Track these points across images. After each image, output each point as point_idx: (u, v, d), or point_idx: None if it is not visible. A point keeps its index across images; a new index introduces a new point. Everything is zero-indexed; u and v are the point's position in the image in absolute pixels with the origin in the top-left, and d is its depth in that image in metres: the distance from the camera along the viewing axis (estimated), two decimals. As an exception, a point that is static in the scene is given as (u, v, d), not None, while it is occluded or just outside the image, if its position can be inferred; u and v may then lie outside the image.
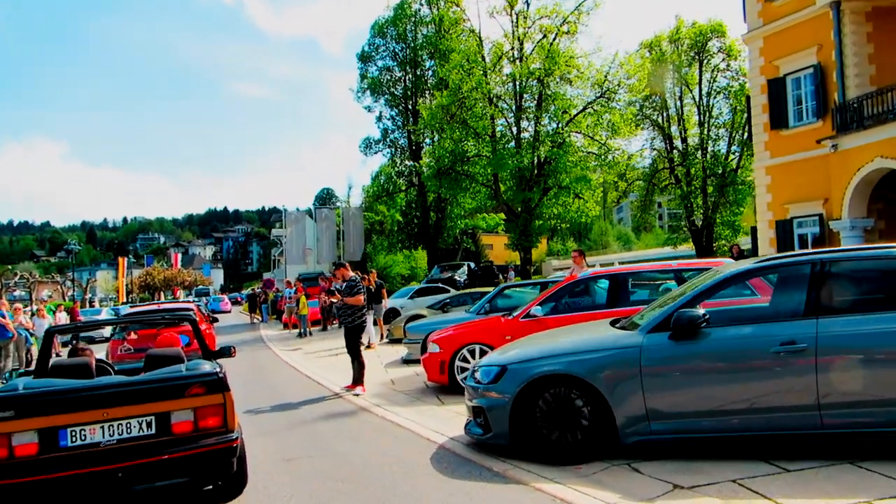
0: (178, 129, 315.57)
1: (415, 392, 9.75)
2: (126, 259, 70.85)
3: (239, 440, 4.85)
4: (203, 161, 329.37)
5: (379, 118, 40.72)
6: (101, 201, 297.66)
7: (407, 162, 40.47)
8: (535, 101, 28.39)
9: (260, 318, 35.42)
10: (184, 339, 10.25)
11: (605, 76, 27.14)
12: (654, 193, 39.19)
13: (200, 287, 77.56)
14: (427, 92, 39.16)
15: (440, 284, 25.97)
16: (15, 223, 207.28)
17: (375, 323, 17.47)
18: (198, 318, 9.60)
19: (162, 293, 78.33)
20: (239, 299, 71.46)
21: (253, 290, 37.25)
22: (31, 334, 17.35)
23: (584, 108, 27.74)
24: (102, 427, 4.40)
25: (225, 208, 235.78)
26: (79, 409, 4.39)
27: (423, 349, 12.67)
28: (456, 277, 29.47)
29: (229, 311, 51.21)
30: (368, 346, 16.36)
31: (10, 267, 44.15)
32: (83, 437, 4.37)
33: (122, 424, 4.45)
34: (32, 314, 17.32)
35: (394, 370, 12.27)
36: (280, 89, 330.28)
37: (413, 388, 10.14)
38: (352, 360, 10.48)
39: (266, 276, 48.45)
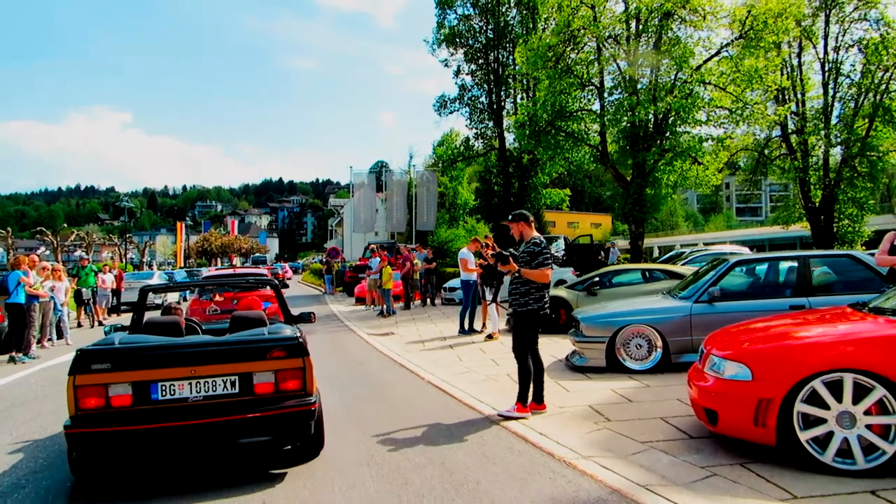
0: (234, 100, 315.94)
1: (675, 446, 5.14)
2: (184, 223, 67.97)
3: (317, 404, 4.79)
4: (258, 133, 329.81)
5: (457, 72, 35.81)
6: (162, 169, 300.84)
7: (488, 122, 35.58)
8: (653, 44, 23.20)
9: (324, 289, 31.43)
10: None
11: (749, 12, 21.77)
12: (766, 167, 33.49)
13: (257, 255, 74.54)
14: (510, 45, 34.15)
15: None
16: (82, 187, 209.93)
17: (480, 303, 12.96)
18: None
19: (219, 259, 75.64)
20: (297, 269, 68.57)
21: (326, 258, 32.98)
22: (51, 297, 13.43)
23: (718, 52, 22.44)
24: (190, 383, 4.47)
25: (280, 179, 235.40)
26: (169, 366, 4.46)
27: (611, 350, 8.19)
28: (554, 252, 24.74)
29: (290, 279, 48.49)
30: (490, 337, 11.88)
31: (65, 225, 41.24)
32: (172, 392, 4.44)
33: (208, 382, 4.51)
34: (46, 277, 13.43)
35: (573, 385, 7.67)
36: (331, 63, 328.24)
37: (658, 434, 5.52)
38: (519, 364, 6.31)
39: (330, 244, 44.47)
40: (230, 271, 17.21)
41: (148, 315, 5.95)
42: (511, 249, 6.81)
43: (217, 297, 13.51)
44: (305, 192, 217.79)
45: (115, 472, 4.93)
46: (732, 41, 22.43)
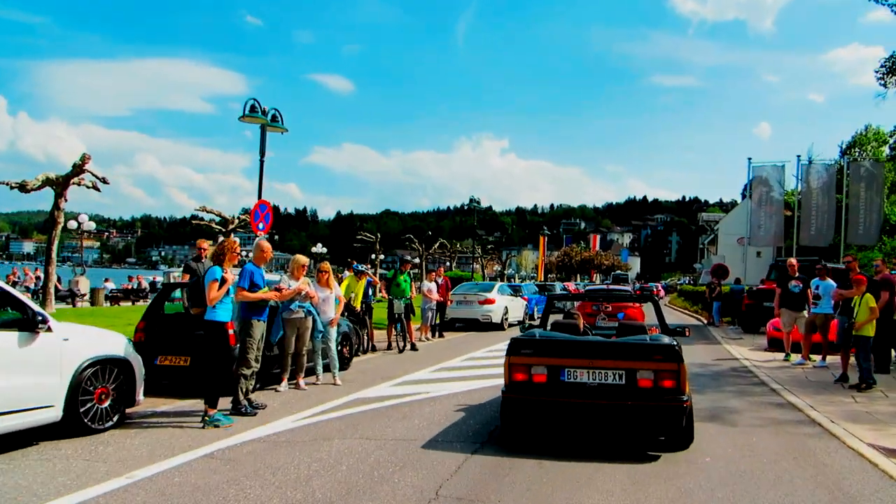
0: (601, 123, 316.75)
1: None
2: (545, 237, 64.96)
3: (689, 403, 5.57)
4: (623, 153, 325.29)
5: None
6: (533, 189, 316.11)
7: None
8: None
9: (710, 320, 23.10)
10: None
11: None
12: None
13: (619, 272, 67.99)
14: None
15: None
16: (465, 207, 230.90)
17: None
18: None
19: (577, 275, 71.22)
20: (668, 289, 61.42)
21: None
22: (307, 311, 8.61)
23: None
24: (588, 372, 5.57)
25: (644, 198, 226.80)
26: (575, 357, 5.65)
27: None
28: None
29: (662, 297, 45.03)
30: None
31: (442, 239, 40.90)
32: (575, 377, 5.59)
33: (601, 372, 5.55)
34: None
35: None
36: (701, 77, 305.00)
37: None
38: None
39: (714, 260, 35.53)
40: (605, 287, 18.33)
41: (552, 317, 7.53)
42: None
43: (606, 307, 14.82)
44: (670, 210, 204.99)
45: (529, 429, 6.08)
46: None
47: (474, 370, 10.87)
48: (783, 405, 8.09)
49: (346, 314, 12.62)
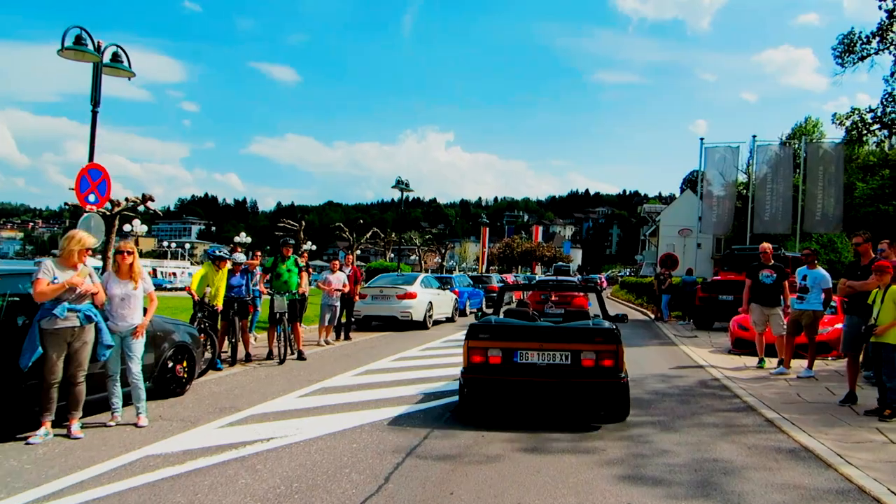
0: (545, 118, 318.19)
1: None
2: (486, 228, 62.61)
3: (626, 379, 6.19)
4: (566, 147, 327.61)
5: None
6: (478, 182, 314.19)
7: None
8: None
9: (658, 315, 20.78)
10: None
11: None
12: None
13: (561, 263, 66.18)
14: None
15: None
16: (410, 199, 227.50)
17: None
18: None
19: (519, 267, 69.21)
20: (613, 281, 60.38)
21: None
22: (85, 317, 5.47)
23: None
24: (538, 353, 6.12)
25: (587, 191, 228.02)
26: (526, 340, 6.20)
27: None
28: None
29: (605, 288, 44.78)
30: None
31: (376, 229, 37.59)
32: (526, 358, 6.13)
33: (550, 353, 6.10)
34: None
35: None
36: (642, 74, 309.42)
37: None
38: None
39: (664, 250, 33.57)
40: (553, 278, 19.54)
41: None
42: None
43: (553, 296, 15.75)
44: (611, 203, 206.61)
45: (487, 405, 6.64)
46: None
47: (364, 391, 7.94)
48: (796, 452, 5.44)
49: (204, 314, 9.56)
